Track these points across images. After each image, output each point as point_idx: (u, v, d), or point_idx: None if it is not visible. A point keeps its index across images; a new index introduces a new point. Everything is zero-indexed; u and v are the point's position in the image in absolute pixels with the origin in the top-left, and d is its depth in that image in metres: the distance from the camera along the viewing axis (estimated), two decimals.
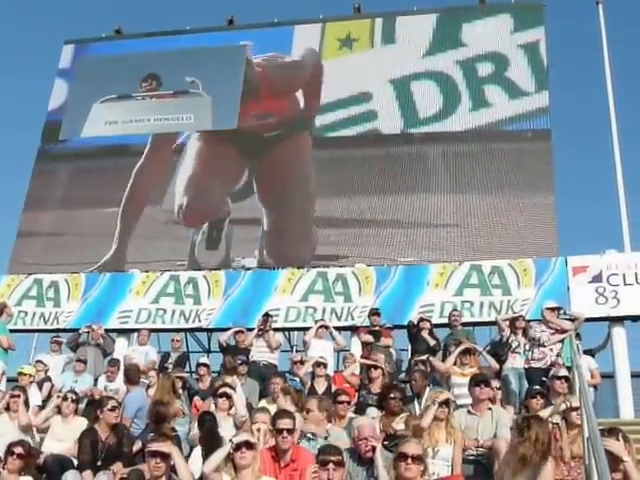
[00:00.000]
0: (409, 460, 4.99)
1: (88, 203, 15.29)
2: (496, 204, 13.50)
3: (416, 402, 7.83)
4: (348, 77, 15.26)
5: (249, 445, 5.23)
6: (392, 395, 7.15)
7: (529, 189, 13.51)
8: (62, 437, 7.54)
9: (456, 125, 14.45)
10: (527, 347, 9.31)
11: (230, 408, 7.44)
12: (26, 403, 8.07)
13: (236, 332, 11.10)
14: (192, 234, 14.49)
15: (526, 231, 13.15)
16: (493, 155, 14.02)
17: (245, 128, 15.23)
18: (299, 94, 15.50)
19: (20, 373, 9.73)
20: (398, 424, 6.90)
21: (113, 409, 7.16)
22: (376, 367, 8.51)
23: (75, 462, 6.85)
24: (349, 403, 7.58)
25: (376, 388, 8.18)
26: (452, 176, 13.96)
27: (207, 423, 6.70)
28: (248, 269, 13.59)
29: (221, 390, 7.47)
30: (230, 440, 5.31)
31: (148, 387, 9.30)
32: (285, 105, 15.48)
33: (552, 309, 9.59)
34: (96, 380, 10.53)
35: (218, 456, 5.22)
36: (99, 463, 6.75)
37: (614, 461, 5.15)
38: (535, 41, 14.80)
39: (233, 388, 7.68)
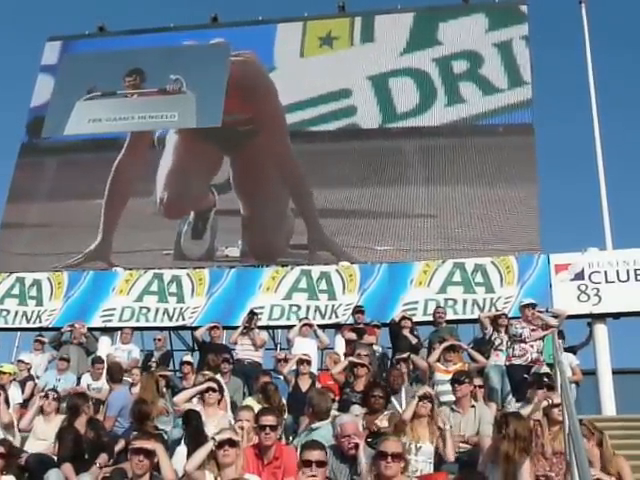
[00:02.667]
0: (389, 459, 4.99)
1: (75, 195, 15.39)
2: (474, 196, 13.74)
3: (394, 399, 7.84)
4: (328, 74, 15.56)
5: (232, 443, 5.22)
6: (374, 393, 7.17)
7: (509, 182, 13.73)
8: (44, 436, 7.48)
9: (432, 120, 14.71)
10: (508, 344, 9.34)
11: (219, 402, 7.42)
12: (6, 402, 8.00)
13: (211, 328, 11.08)
14: (178, 224, 14.67)
15: (506, 222, 13.38)
16: (470, 149, 14.29)
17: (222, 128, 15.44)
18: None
19: None
20: (382, 421, 6.92)
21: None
22: (363, 365, 8.53)
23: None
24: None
25: (360, 386, 8.18)
26: (428, 169, 14.23)
27: (193, 421, 6.67)
28: (232, 267, 13.60)
29: (207, 385, 7.44)
30: (212, 438, 5.30)
31: (131, 385, 9.28)
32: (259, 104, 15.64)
33: (527, 306, 9.63)
34: (79, 379, 10.48)
35: (201, 454, 5.20)
36: (86, 456, 6.75)
37: None
38: (509, 39, 15.04)
39: (218, 382, 7.66)
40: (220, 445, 5.20)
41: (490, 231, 13.37)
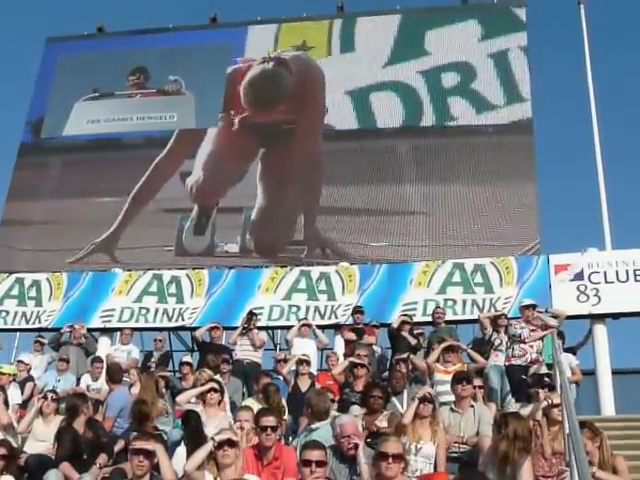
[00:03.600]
0: (390, 460, 4.99)
1: (78, 194, 15.51)
2: (467, 194, 13.84)
3: (395, 399, 7.84)
4: None
5: (231, 443, 5.22)
6: (373, 393, 7.16)
7: (504, 181, 13.81)
8: (43, 437, 7.47)
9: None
10: (508, 344, 9.34)
11: (219, 403, 7.42)
12: (6, 402, 7.99)
13: (211, 328, 11.08)
14: (180, 220, 14.78)
15: (500, 220, 13.47)
16: (462, 149, 14.36)
17: (268, 121, 15.46)
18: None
19: None
20: (381, 422, 6.92)
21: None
22: (362, 365, 8.53)
23: None
24: None
25: (360, 386, 8.18)
26: (421, 168, 14.35)
27: (192, 421, 6.66)
28: (232, 268, 13.61)
29: (209, 386, 7.43)
30: (212, 438, 5.30)
31: (130, 386, 9.27)
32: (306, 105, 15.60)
33: (527, 306, 9.63)
34: (79, 380, 10.47)
35: (200, 455, 5.20)
36: (85, 457, 6.75)
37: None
38: (505, 49, 14.86)
39: (219, 383, 7.66)
40: (220, 446, 5.20)
41: (484, 228, 13.49)
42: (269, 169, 14.98)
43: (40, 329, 13.04)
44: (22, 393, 9.94)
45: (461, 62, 14.85)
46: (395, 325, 10.70)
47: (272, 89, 15.75)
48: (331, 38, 15.83)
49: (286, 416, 7.94)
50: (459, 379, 7.15)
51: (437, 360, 8.85)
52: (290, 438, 7.40)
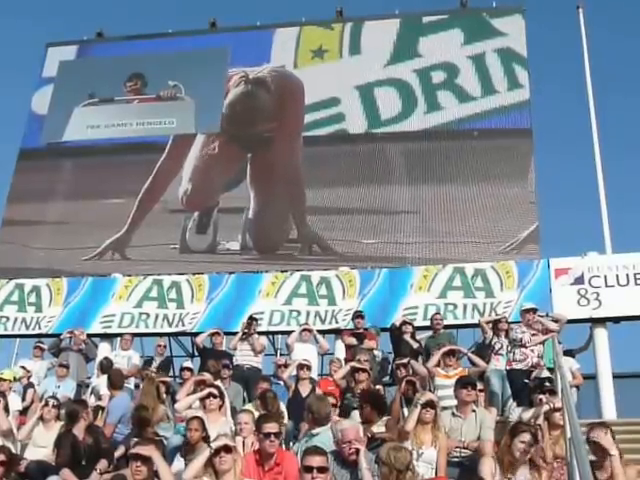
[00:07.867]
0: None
1: (88, 195, 15.85)
2: (458, 194, 14.27)
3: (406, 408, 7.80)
4: (319, 84, 16.12)
5: (228, 449, 5.21)
6: (365, 405, 7.15)
7: (498, 183, 14.18)
8: (44, 443, 7.45)
9: (413, 126, 15.32)
10: (509, 348, 9.32)
11: (220, 408, 7.39)
12: (6, 408, 7.98)
13: (212, 334, 11.07)
14: (184, 220, 15.23)
15: (490, 218, 13.87)
16: (449, 152, 14.84)
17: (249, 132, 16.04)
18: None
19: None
20: (379, 427, 6.90)
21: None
22: (364, 370, 8.51)
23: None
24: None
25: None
26: (411, 170, 14.83)
27: None
28: (232, 272, 13.61)
29: (208, 391, 7.40)
30: (209, 446, 5.29)
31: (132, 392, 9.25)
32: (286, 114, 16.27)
33: (528, 310, 9.62)
34: (79, 385, 10.44)
35: (198, 463, 5.20)
36: (84, 463, 6.72)
37: (601, 455, 5.20)
38: (482, 52, 15.63)
39: (219, 388, 7.63)
40: (216, 452, 5.18)
41: (476, 225, 13.83)
42: (257, 174, 15.50)
43: (40, 335, 13.01)
44: (22, 399, 9.91)
45: (446, 62, 15.72)
46: (397, 323, 10.72)
47: (251, 109, 16.28)
48: (342, 43, 16.57)
49: (286, 421, 7.92)
50: (464, 384, 7.10)
51: (437, 365, 8.82)
52: (291, 443, 7.38)
